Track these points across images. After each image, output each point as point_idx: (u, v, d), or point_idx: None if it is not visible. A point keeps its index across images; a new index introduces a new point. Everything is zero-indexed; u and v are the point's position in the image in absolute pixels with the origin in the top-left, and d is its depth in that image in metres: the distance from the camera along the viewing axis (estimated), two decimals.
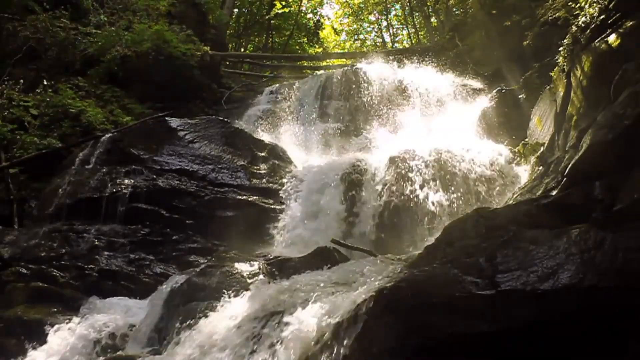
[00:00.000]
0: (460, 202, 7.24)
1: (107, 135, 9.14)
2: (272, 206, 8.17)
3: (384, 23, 30.04)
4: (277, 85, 14.96)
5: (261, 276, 5.60)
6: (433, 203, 7.25)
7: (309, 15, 29.39)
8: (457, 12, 18.26)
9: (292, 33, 27.84)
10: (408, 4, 25.94)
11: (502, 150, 7.94)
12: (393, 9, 29.19)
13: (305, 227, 7.75)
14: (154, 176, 8.16)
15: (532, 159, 7.15)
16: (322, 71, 17.88)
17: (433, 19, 23.92)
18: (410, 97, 11.84)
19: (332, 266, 5.40)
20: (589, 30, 5.76)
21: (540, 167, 6.53)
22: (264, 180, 8.60)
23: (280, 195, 8.36)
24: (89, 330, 5.40)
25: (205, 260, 7.08)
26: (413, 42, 26.42)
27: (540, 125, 7.41)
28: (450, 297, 3.02)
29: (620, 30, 5.16)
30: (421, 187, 7.46)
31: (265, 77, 19.47)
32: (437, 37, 21.00)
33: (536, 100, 7.88)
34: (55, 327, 5.52)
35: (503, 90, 9.63)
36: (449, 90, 11.67)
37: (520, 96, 9.28)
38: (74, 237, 7.33)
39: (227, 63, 19.45)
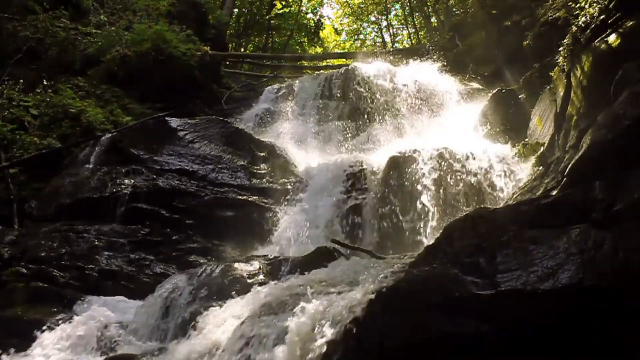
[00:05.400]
0: (460, 201, 7.24)
1: (107, 135, 9.14)
2: (272, 206, 8.17)
3: (384, 23, 30.06)
4: (277, 85, 14.95)
5: (261, 276, 5.60)
6: (433, 202, 7.24)
7: (309, 15, 29.43)
8: (457, 12, 18.29)
9: (292, 33, 27.83)
10: (408, 4, 25.93)
11: (502, 150, 7.94)
12: (393, 9, 29.21)
13: (305, 227, 7.75)
14: (154, 176, 8.16)
15: (532, 159, 7.14)
16: (322, 71, 17.87)
17: (433, 19, 23.93)
18: (410, 97, 11.84)
19: (332, 266, 5.40)
20: (589, 30, 5.75)
21: (540, 167, 6.52)
22: (264, 180, 8.59)
23: (281, 195, 8.36)
24: (89, 329, 5.39)
25: (205, 260, 7.09)
26: (413, 42, 26.41)
27: (540, 125, 7.41)
28: (450, 297, 3.02)
29: (620, 30, 5.15)
30: (421, 186, 7.45)
31: (265, 77, 19.46)
32: (437, 37, 20.99)
33: (536, 100, 7.88)
34: (55, 326, 5.51)
35: (503, 91, 9.63)
36: (449, 90, 11.66)
37: (520, 96, 9.27)
38: (74, 237, 7.33)
39: (227, 63, 19.44)
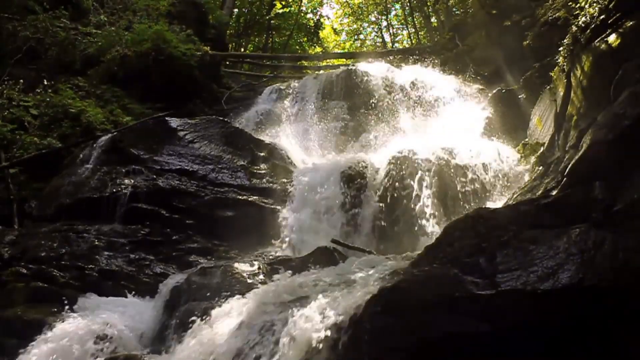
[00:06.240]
0: (460, 201, 7.24)
1: (107, 135, 9.14)
2: (272, 206, 8.17)
3: (384, 23, 30.08)
4: (277, 85, 14.95)
5: (261, 276, 5.60)
6: (433, 202, 7.25)
7: (309, 15, 29.45)
8: (457, 12, 18.29)
9: (292, 33, 27.84)
10: (408, 4, 25.94)
11: (502, 150, 7.94)
12: (393, 9, 29.23)
13: (304, 227, 7.75)
14: (154, 176, 8.16)
15: (532, 159, 7.15)
16: (322, 71, 17.87)
17: (433, 19, 23.93)
18: (410, 97, 11.84)
19: (332, 266, 5.41)
20: (589, 30, 5.76)
21: (540, 167, 6.53)
22: (264, 180, 8.59)
23: (281, 195, 8.36)
24: (89, 329, 5.39)
25: (205, 260, 7.09)
26: (413, 42, 26.42)
27: (540, 125, 7.42)
28: (450, 297, 3.02)
29: (620, 30, 5.15)
30: (421, 187, 7.46)
31: (265, 77, 19.47)
32: (437, 37, 20.99)
33: (536, 100, 7.89)
34: (54, 326, 5.50)
35: (503, 91, 9.63)
36: (449, 91, 11.66)
37: (520, 96, 9.28)
38: (74, 237, 7.32)
39: (227, 63, 19.43)
